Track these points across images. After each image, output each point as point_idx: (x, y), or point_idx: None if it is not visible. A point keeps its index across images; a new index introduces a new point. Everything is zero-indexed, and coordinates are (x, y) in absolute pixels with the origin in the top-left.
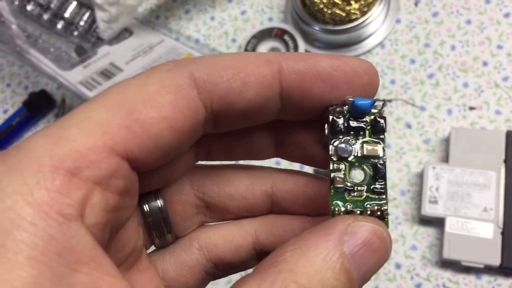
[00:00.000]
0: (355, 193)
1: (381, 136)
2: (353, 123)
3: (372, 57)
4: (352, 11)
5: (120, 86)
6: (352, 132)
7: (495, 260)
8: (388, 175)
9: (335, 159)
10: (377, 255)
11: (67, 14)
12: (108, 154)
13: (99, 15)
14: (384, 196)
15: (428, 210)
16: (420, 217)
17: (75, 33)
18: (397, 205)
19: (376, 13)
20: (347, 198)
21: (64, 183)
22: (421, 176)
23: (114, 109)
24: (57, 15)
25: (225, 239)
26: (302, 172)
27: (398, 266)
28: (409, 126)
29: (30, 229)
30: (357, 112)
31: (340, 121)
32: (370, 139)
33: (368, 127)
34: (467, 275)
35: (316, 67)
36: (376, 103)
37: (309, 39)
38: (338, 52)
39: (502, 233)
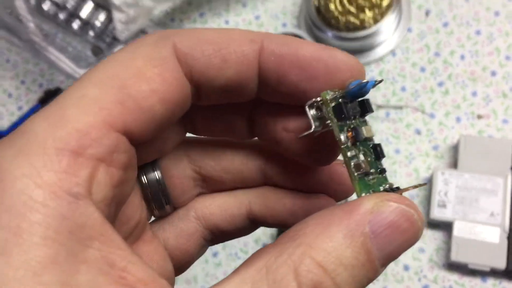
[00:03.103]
0: (370, 176)
1: (366, 117)
2: (353, 107)
3: (384, 65)
4: (366, 19)
5: (108, 61)
6: (352, 117)
7: (501, 263)
8: (397, 179)
9: (349, 145)
10: (405, 237)
11: (83, 14)
12: (107, 131)
13: (117, 16)
14: (385, 173)
15: (437, 214)
16: (429, 220)
17: (91, 33)
18: None
19: (389, 22)
20: (368, 183)
21: (70, 163)
22: (429, 181)
23: (106, 85)
24: (73, 14)
25: (220, 208)
26: None
27: (406, 268)
28: (418, 132)
29: (43, 210)
30: (356, 94)
31: (344, 105)
32: (361, 120)
33: (358, 110)
34: (473, 278)
35: (297, 54)
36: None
37: None
38: None
39: (508, 238)
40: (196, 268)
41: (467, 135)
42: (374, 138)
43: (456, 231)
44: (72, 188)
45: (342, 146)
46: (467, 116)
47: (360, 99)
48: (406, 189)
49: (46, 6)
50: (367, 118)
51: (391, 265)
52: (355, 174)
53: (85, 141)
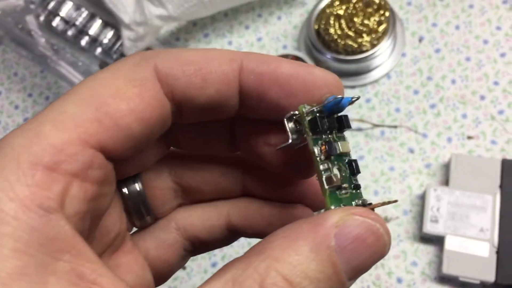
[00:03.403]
0: (343, 191)
1: (344, 133)
2: (330, 122)
3: (379, 87)
4: (364, 43)
5: (90, 80)
6: (328, 131)
7: (490, 276)
8: (391, 196)
9: (323, 158)
10: (371, 251)
11: (91, 32)
12: (83, 147)
13: (126, 34)
14: (359, 189)
15: (430, 228)
16: (421, 235)
17: (99, 49)
18: (400, 224)
19: (384, 46)
20: (339, 196)
21: (43, 178)
22: (422, 197)
23: (85, 104)
24: (82, 31)
25: (200, 219)
26: None
27: (399, 280)
28: (411, 151)
29: (13, 223)
30: (333, 109)
31: (320, 120)
32: (338, 136)
33: (335, 125)
34: None
35: (276, 72)
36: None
37: (321, 66)
38: (347, 80)
39: (497, 252)
40: (195, 277)
41: (458, 154)
42: (351, 153)
43: (448, 245)
44: (44, 202)
45: (315, 159)
46: (458, 137)
47: (338, 114)
48: (377, 205)
49: (55, 22)
50: (345, 134)
51: (385, 277)
52: (326, 187)
53: (60, 156)
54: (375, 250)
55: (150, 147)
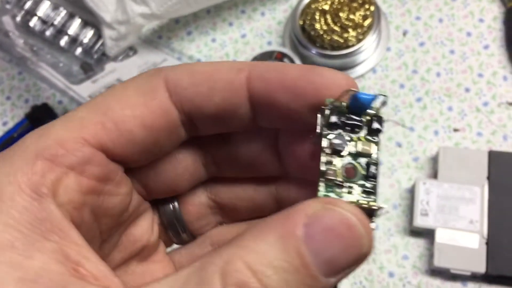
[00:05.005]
0: (344, 189)
1: (376, 137)
2: (349, 119)
3: (365, 81)
4: (349, 38)
5: (105, 93)
6: (348, 128)
7: (481, 268)
8: (381, 190)
9: (328, 152)
10: (343, 243)
11: (71, 31)
12: (82, 145)
13: (107, 33)
14: (373, 196)
15: (420, 222)
16: (411, 229)
17: (79, 49)
18: (390, 218)
19: (370, 41)
20: (337, 193)
21: (41, 167)
22: (411, 191)
23: (94, 109)
24: (61, 31)
25: None
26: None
27: (391, 274)
28: (399, 145)
29: (8, 202)
30: (356, 107)
31: (336, 114)
32: (366, 137)
33: (365, 126)
34: (454, 283)
35: (282, 76)
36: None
37: (307, 62)
38: None
39: (487, 243)
40: None
41: (446, 147)
42: (374, 157)
43: (438, 238)
44: (38, 187)
45: (321, 150)
46: (444, 130)
47: (374, 116)
48: (362, 204)
49: (32, 23)
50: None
51: (376, 272)
52: (320, 178)
53: (60, 151)
54: (348, 243)
55: (187, 171)
